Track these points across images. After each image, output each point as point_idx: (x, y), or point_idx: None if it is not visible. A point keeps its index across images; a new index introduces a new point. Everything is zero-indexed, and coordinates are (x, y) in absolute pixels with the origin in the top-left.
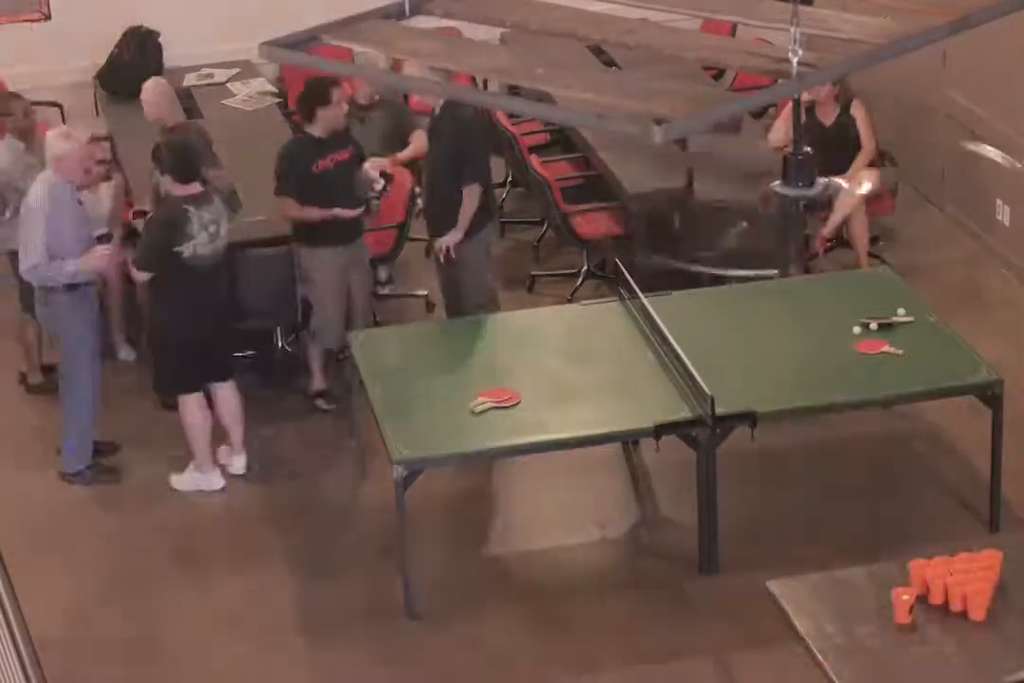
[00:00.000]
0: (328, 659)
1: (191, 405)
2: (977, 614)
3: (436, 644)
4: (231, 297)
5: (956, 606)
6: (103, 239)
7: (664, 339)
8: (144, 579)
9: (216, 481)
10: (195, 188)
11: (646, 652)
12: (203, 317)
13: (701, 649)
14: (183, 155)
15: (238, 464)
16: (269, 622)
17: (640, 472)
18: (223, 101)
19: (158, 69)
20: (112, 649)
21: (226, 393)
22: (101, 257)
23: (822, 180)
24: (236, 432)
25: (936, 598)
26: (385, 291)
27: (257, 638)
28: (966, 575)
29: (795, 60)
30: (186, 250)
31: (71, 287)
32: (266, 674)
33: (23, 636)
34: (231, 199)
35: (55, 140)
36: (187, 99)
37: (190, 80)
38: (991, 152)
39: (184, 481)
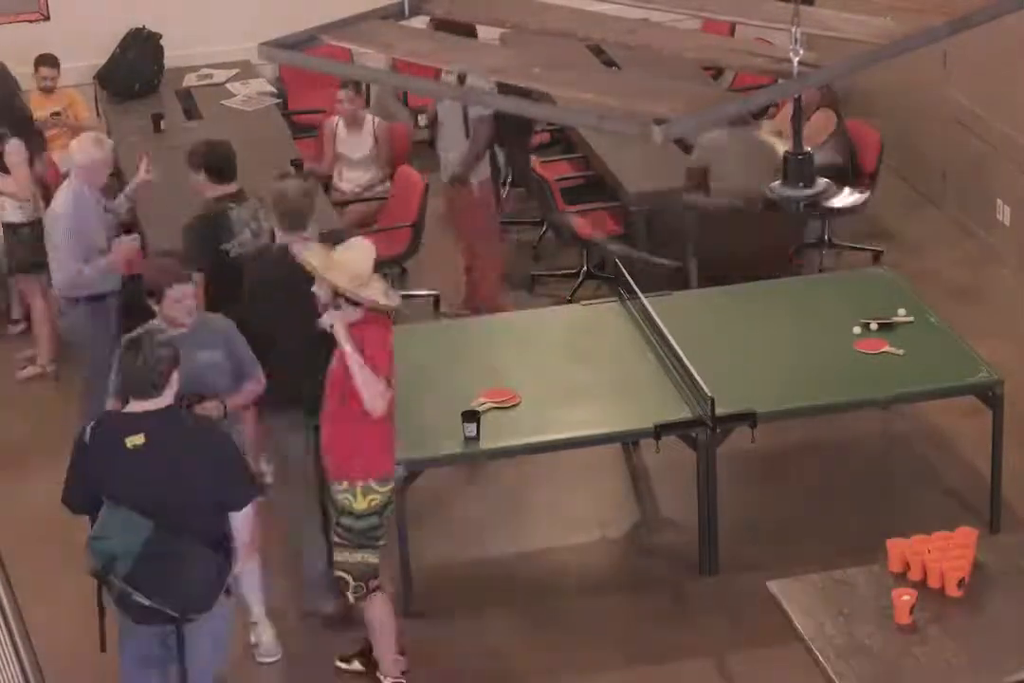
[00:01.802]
0: (328, 659)
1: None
2: (952, 590)
3: (436, 644)
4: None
5: (934, 583)
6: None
7: (664, 339)
8: None
9: None
10: (232, 187)
11: (646, 652)
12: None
13: (701, 649)
14: (222, 153)
15: None
16: None
17: (640, 472)
18: (222, 102)
19: (159, 69)
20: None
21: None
22: (129, 248)
23: (822, 181)
24: None
25: (915, 575)
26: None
27: None
28: (942, 553)
29: (795, 60)
30: (232, 248)
31: (93, 298)
32: (266, 674)
33: (23, 638)
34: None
35: (86, 145)
36: (187, 99)
37: (190, 80)
38: None
39: None
